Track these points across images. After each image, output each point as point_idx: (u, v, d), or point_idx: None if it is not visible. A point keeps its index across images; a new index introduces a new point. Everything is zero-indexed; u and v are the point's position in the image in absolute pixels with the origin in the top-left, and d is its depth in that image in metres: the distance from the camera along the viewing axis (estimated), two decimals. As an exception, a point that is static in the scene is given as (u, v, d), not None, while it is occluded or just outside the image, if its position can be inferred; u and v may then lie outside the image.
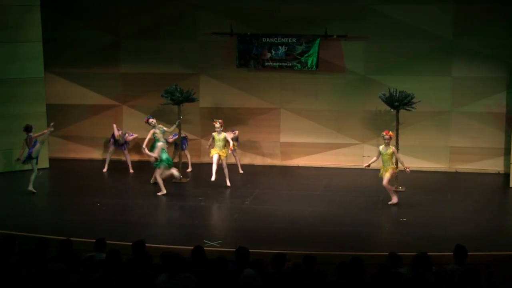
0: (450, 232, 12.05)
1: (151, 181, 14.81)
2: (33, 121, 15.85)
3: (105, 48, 16.97)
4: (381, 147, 13.51)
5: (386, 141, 13.40)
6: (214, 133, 14.73)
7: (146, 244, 9.04)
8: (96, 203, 13.60)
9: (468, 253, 8.44)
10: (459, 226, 12.36)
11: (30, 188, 14.20)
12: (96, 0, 16.95)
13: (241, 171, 15.92)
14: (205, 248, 8.92)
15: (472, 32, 15.59)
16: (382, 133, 13.59)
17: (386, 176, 13.29)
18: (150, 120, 14.78)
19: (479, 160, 15.91)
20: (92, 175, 15.73)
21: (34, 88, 15.97)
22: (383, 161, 13.42)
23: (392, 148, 13.41)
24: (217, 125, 14.67)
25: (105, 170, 16.01)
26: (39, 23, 15.82)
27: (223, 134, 14.75)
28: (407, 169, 13.38)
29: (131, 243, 9.12)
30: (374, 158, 13.59)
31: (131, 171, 15.98)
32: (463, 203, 13.76)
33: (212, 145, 14.72)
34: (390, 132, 13.61)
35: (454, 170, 15.99)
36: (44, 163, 16.17)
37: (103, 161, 16.36)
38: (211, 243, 11.36)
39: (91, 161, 16.98)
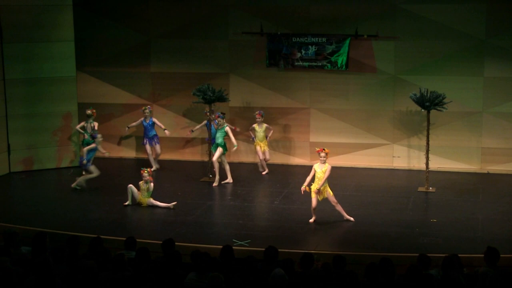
0: (481, 233, 11.93)
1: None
2: (65, 120, 16.13)
3: (136, 47, 17.09)
4: (316, 165, 12.36)
5: (322, 159, 12.31)
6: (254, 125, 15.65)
7: (176, 243, 9.10)
8: (126, 201, 13.66)
9: (500, 255, 8.35)
10: (490, 228, 12.22)
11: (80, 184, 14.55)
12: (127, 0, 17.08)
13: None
14: (234, 248, 8.95)
15: (504, 32, 15.39)
16: (317, 149, 12.55)
17: (331, 195, 12.33)
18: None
19: (511, 161, 15.72)
20: (123, 174, 15.83)
21: (66, 87, 16.15)
22: (317, 179, 12.32)
23: (327, 166, 12.29)
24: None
25: (154, 168, 15.95)
26: (72, 22, 15.98)
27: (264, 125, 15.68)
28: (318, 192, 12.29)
29: (160, 242, 9.18)
30: (308, 178, 12.41)
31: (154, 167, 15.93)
32: (494, 204, 13.60)
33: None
34: (326, 149, 12.50)
35: (485, 171, 15.82)
36: (74, 161, 16.36)
37: (135, 159, 16.45)
38: (240, 242, 11.38)
39: (122, 159, 17.10)
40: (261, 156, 15.73)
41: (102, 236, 9.36)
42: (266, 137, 15.81)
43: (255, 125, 15.72)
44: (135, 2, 17.02)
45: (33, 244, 8.55)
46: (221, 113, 15.08)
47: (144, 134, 16.12)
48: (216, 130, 14.95)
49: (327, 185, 12.41)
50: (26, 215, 13.00)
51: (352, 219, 12.53)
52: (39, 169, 16.03)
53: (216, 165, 14.75)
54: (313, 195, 12.37)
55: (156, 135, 16.15)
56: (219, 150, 14.79)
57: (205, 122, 15.72)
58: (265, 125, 15.73)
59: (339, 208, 12.51)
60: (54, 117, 16.08)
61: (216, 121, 14.93)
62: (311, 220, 12.46)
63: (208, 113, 15.48)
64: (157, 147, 16.12)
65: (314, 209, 12.42)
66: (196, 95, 15.33)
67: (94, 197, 14.29)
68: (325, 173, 12.26)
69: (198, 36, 16.76)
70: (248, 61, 16.61)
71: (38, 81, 15.96)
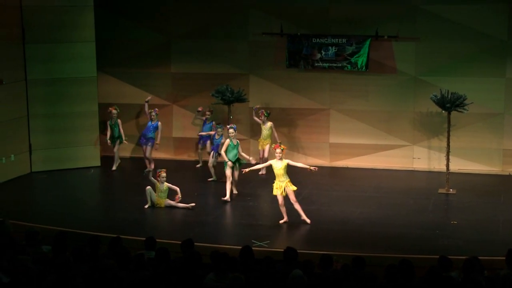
0: (502, 236, 11.84)
1: None
2: (85, 120, 16.23)
3: (156, 48, 17.14)
4: (272, 162, 12.40)
5: (278, 154, 12.31)
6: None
7: (195, 243, 9.12)
8: (145, 201, 13.69)
9: (521, 258, 8.28)
10: None
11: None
12: (147, 0, 17.15)
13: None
14: (253, 248, 8.95)
15: (527, 33, 15.29)
16: (273, 146, 12.69)
17: (291, 192, 12.33)
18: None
19: (533, 163, 15.62)
20: (142, 174, 15.87)
21: (87, 88, 16.24)
22: (277, 175, 12.37)
23: (286, 162, 12.32)
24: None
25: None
26: (92, 23, 16.07)
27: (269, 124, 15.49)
28: (310, 169, 12.46)
29: (180, 242, 9.21)
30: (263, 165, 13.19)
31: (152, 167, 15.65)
32: (516, 207, 13.50)
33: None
34: (281, 145, 12.54)
35: (507, 173, 15.70)
36: (95, 161, 16.45)
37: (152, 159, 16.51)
38: (260, 243, 11.38)
39: (141, 159, 17.14)
40: (261, 155, 15.60)
41: (122, 236, 9.40)
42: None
43: (260, 124, 15.66)
44: (156, 3, 17.08)
45: (54, 243, 8.62)
46: (235, 126, 14.29)
47: (143, 133, 16.09)
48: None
49: (289, 180, 12.36)
50: (47, 215, 13.11)
51: (308, 221, 12.40)
52: (60, 168, 16.13)
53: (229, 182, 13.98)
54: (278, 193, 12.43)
55: (153, 138, 16.02)
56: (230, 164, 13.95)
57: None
58: (269, 123, 15.59)
59: (297, 206, 12.42)
60: (75, 117, 16.18)
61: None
62: (281, 221, 12.49)
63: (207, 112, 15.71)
64: (148, 149, 15.96)
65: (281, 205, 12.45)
66: (215, 97, 15.33)
67: (113, 197, 14.36)
68: (286, 169, 12.31)
69: (218, 37, 16.78)
70: (268, 62, 16.61)
71: (59, 81, 16.06)
